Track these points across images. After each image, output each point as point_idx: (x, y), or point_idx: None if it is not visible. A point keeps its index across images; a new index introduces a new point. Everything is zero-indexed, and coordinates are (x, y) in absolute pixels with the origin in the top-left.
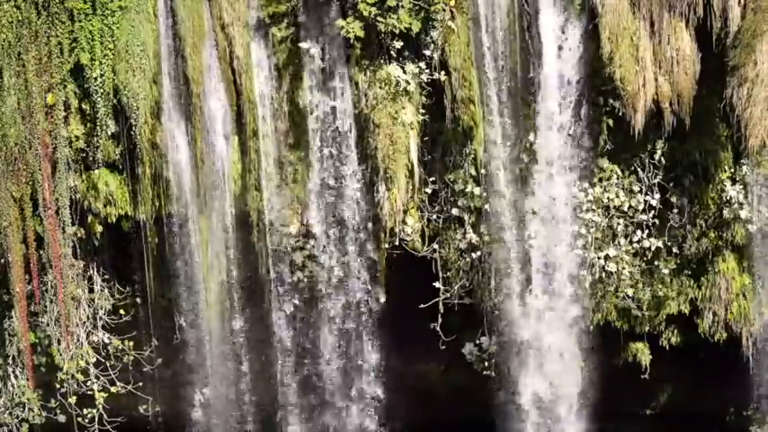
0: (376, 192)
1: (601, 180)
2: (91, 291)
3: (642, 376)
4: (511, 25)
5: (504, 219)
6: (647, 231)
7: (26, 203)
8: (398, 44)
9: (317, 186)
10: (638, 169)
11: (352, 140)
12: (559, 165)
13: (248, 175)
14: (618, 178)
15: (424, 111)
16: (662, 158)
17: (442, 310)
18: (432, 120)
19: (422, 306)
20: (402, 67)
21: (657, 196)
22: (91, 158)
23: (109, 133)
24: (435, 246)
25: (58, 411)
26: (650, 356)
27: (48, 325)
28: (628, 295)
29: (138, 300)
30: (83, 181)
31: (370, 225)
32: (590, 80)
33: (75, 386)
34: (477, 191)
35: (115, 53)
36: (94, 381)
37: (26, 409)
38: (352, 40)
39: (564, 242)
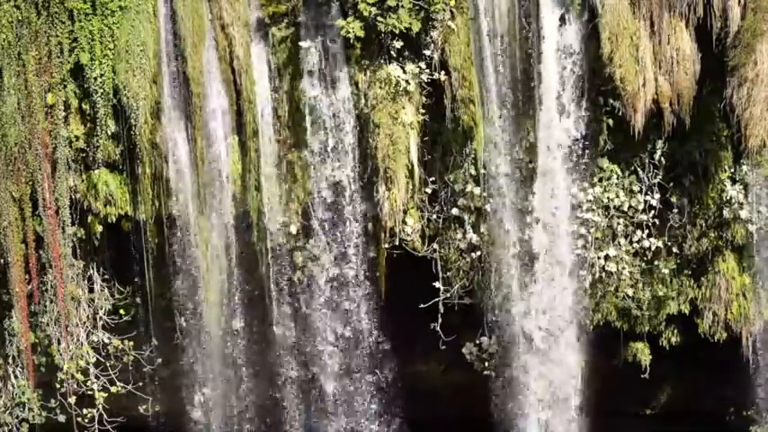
0: (376, 192)
1: (601, 180)
2: (91, 291)
3: (642, 376)
4: (511, 25)
5: (505, 218)
6: (647, 231)
7: (26, 203)
8: (398, 44)
9: (317, 186)
10: (638, 169)
11: (352, 140)
12: (559, 164)
13: (248, 175)
14: (618, 178)
15: (424, 111)
16: (662, 158)
17: (442, 310)
18: (432, 120)
19: (422, 306)
20: (402, 67)
21: (657, 196)
22: (91, 158)
23: (109, 133)
24: (435, 246)
25: (58, 411)
26: (650, 356)
27: (48, 325)
28: (628, 295)
29: (138, 300)
30: (83, 181)
31: (370, 225)
32: (590, 80)
33: (75, 386)
34: (477, 191)
35: (115, 53)
36: (94, 381)
37: (26, 408)
38: (352, 40)
39: (564, 242)
